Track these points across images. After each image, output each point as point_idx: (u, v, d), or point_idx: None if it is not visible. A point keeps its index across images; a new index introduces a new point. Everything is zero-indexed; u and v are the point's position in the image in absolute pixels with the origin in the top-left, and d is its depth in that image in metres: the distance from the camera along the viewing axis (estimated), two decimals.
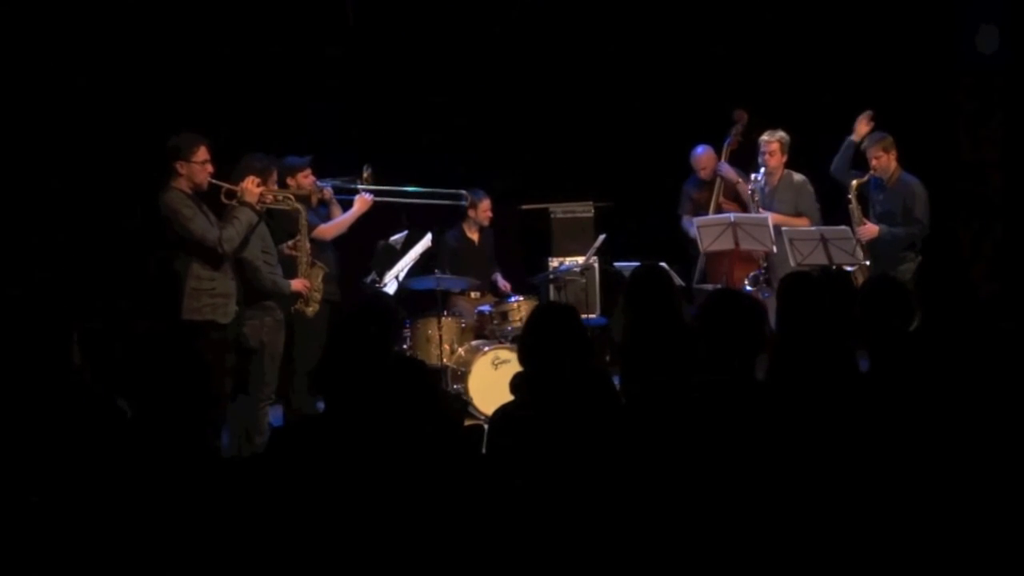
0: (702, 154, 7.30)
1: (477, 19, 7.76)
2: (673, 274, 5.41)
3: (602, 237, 7.45)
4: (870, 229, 6.50)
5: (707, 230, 6.69)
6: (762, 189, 6.88)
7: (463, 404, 6.56)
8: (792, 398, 3.16)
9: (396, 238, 6.73)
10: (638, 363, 4.12)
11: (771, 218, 6.65)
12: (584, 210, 8.20)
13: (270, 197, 5.43)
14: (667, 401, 3.16)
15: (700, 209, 7.26)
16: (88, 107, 6.62)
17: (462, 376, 6.71)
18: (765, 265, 6.72)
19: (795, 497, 2.83)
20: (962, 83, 7.82)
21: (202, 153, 5.16)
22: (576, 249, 7.87)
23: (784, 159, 6.89)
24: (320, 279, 5.69)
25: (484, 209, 7.34)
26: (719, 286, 6.64)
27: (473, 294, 7.35)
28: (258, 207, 5.31)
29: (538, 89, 7.98)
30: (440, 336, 6.80)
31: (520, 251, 8.25)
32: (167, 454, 2.67)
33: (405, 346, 6.85)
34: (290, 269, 5.62)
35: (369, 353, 2.98)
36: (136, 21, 6.73)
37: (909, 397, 3.18)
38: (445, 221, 7.31)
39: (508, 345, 6.73)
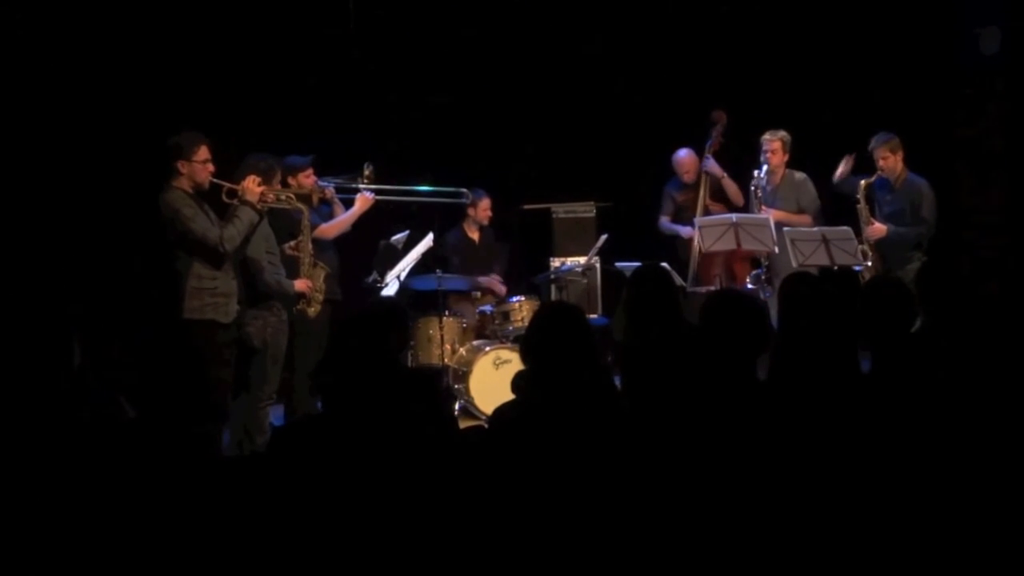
0: (685, 157, 7.33)
1: (478, 19, 7.76)
2: (674, 274, 5.42)
3: (604, 237, 7.45)
4: (878, 229, 6.52)
5: (709, 231, 6.71)
6: (764, 187, 6.89)
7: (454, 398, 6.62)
8: (794, 398, 3.16)
9: (397, 238, 6.73)
10: (639, 363, 4.11)
11: (773, 215, 6.68)
12: (586, 210, 8.20)
13: (271, 196, 5.43)
14: (668, 401, 3.16)
15: (683, 212, 7.31)
16: (89, 107, 6.62)
17: (463, 376, 6.71)
18: (766, 264, 6.74)
19: (796, 497, 2.83)
20: (963, 84, 7.82)
21: (203, 152, 5.16)
22: (578, 249, 7.87)
23: (786, 158, 6.92)
24: (322, 279, 5.69)
25: (484, 208, 7.34)
26: (712, 288, 6.66)
27: (474, 294, 7.35)
28: (259, 207, 5.31)
29: (539, 89, 7.98)
30: (441, 336, 6.80)
31: (522, 251, 8.23)
32: (168, 454, 2.67)
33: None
34: (292, 269, 5.62)
35: (372, 356, 2.97)
36: (137, 20, 6.72)
37: (911, 398, 3.18)
38: (446, 221, 7.31)
39: (509, 345, 6.74)
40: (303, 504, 2.71)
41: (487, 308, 7.17)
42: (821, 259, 6.27)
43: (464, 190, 7.19)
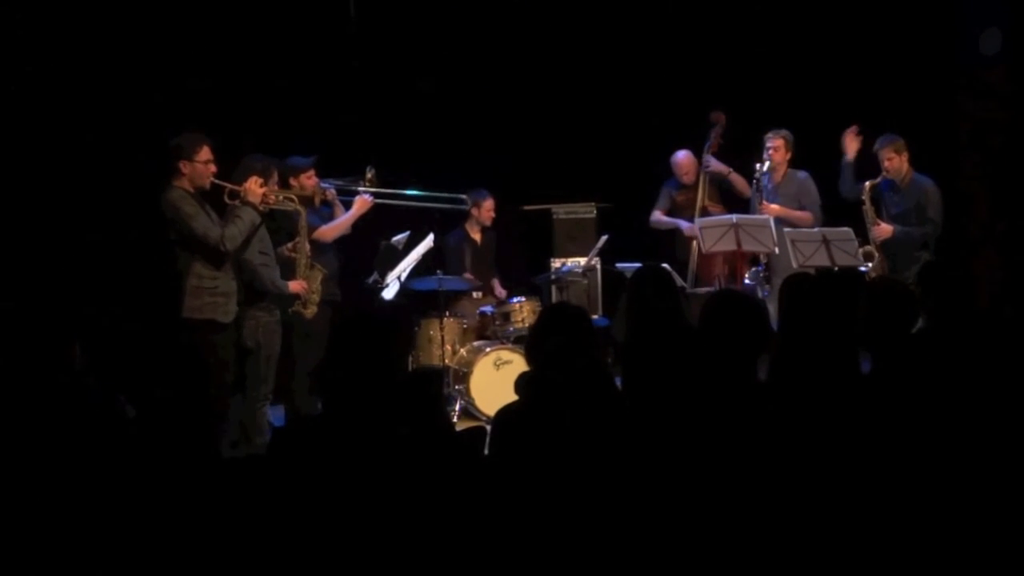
0: (683, 159, 7.36)
1: (479, 21, 7.76)
2: (675, 275, 5.42)
3: (604, 238, 7.45)
4: (884, 229, 6.52)
5: (709, 231, 6.72)
6: (766, 184, 6.89)
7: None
8: (794, 399, 3.16)
9: (398, 239, 6.73)
10: (640, 364, 4.11)
11: (774, 209, 6.69)
12: (586, 211, 8.20)
13: (272, 197, 5.44)
14: (669, 402, 3.16)
15: (681, 211, 7.35)
16: (90, 107, 6.62)
17: (464, 377, 6.71)
18: (766, 261, 6.74)
19: (797, 498, 2.83)
20: (964, 84, 7.82)
21: (205, 153, 5.17)
22: (578, 250, 7.87)
23: (788, 156, 6.93)
24: (319, 281, 5.69)
25: (487, 209, 7.33)
26: (712, 289, 6.66)
27: (475, 294, 7.34)
28: (261, 207, 5.31)
29: (540, 90, 7.98)
30: (442, 337, 6.80)
31: (522, 252, 8.23)
32: (169, 454, 2.67)
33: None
34: (290, 271, 5.63)
35: (373, 358, 2.97)
36: (139, 21, 6.72)
37: (911, 399, 3.18)
38: (447, 221, 7.30)
39: (510, 346, 6.74)
40: (304, 505, 2.71)
41: (488, 309, 7.17)
42: (821, 260, 6.27)
43: (463, 196, 7.18)
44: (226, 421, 5.41)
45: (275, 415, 6.50)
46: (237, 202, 5.28)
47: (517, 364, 6.36)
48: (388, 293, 6.63)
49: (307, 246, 5.65)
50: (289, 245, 5.70)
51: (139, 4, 6.73)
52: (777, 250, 6.55)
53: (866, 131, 6.85)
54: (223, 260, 5.20)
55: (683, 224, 7.21)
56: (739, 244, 6.58)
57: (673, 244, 7.37)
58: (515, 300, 7.16)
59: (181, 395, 2.73)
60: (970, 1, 7.78)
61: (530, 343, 3.32)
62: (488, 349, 6.74)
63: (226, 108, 6.79)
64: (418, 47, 7.67)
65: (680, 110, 7.88)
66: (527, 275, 7.80)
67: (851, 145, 6.77)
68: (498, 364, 6.66)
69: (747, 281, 6.70)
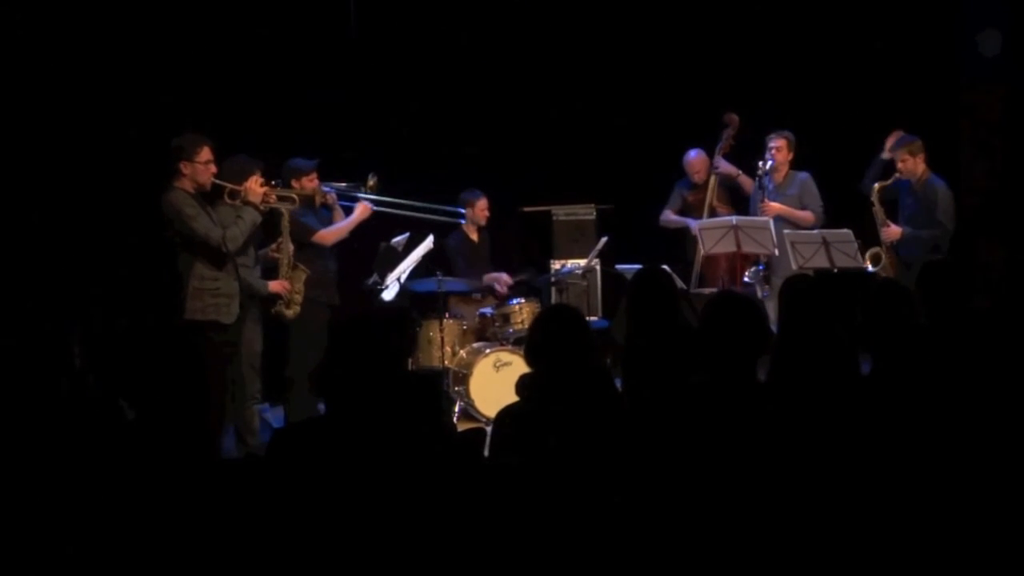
0: (695, 158, 7.38)
1: (479, 23, 7.76)
2: (675, 277, 5.41)
3: (604, 239, 7.45)
4: (893, 231, 6.53)
5: (709, 233, 6.74)
6: (767, 185, 6.89)
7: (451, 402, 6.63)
8: (793, 400, 3.16)
9: (398, 240, 6.72)
10: (640, 365, 4.11)
11: (776, 207, 6.69)
12: (586, 212, 8.19)
13: (274, 197, 5.44)
14: (669, 403, 3.16)
15: (692, 211, 7.36)
16: (91, 107, 6.62)
17: (463, 378, 6.71)
18: (766, 261, 6.75)
19: (796, 498, 2.83)
20: (965, 86, 7.82)
21: (205, 153, 5.18)
22: (578, 251, 7.87)
23: (790, 157, 6.94)
24: (302, 282, 5.72)
25: (481, 208, 7.31)
26: (716, 289, 6.66)
27: (476, 295, 7.34)
28: (261, 207, 5.32)
29: (540, 91, 7.98)
30: (442, 338, 6.80)
31: (522, 253, 8.23)
32: (169, 456, 2.67)
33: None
34: (274, 271, 5.65)
35: (375, 358, 2.97)
36: (141, 22, 6.73)
37: (910, 399, 3.18)
38: (446, 222, 7.29)
39: (510, 347, 6.73)
40: (304, 507, 2.70)
41: (487, 310, 7.16)
42: (821, 261, 6.28)
43: (462, 209, 7.17)
44: (227, 422, 5.42)
45: (275, 417, 6.52)
46: (238, 202, 5.28)
47: (517, 366, 6.35)
48: (388, 295, 6.63)
49: (290, 246, 5.69)
50: (273, 246, 5.72)
51: (140, 5, 6.73)
52: (777, 251, 6.56)
53: (865, 131, 6.85)
54: (225, 261, 5.20)
55: (692, 223, 7.22)
56: (739, 245, 6.58)
57: (684, 244, 7.39)
58: (514, 302, 7.15)
59: (181, 397, 2.73)
60: (970, 3, 7.78)
61: (526, 346, 3.34)
62: (488, 351, 6.74)
63: (226, 108, 6.79)
64: (418, 49, 7.67)
65: (680, 111, 7.90)
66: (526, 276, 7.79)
67: (889, 143, 6.74)
68: (498, 366, 6.66)
69: (747, 280, 6.70)
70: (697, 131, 7.58)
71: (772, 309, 5.55)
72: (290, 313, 5.67)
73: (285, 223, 5.64)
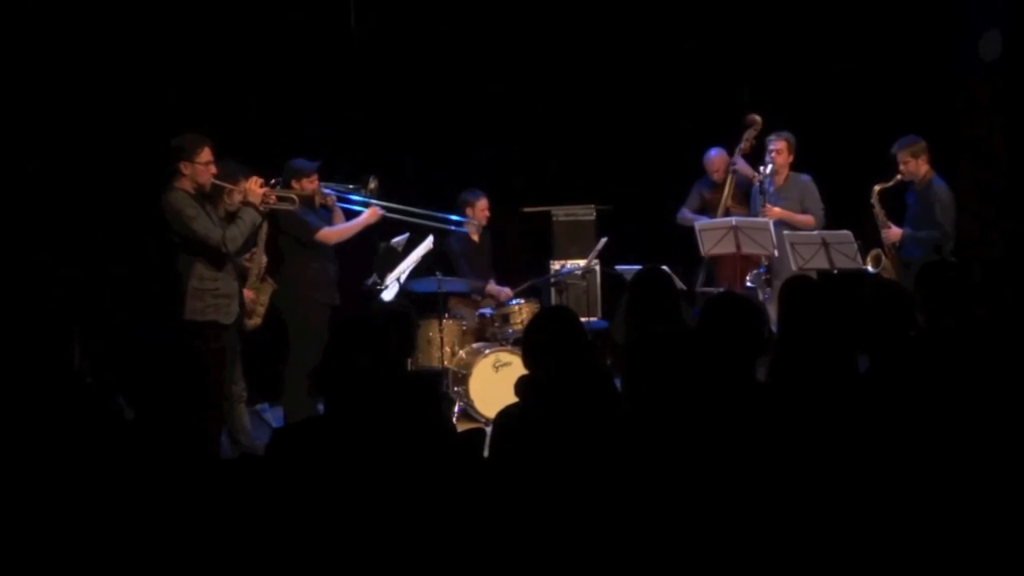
0: (715, 156, 7.39)
1: (479, 23, 7.76)
2: (675, 277, 5.41)
3: (604, 240, 7.44)
4: (893, 233, 6.54)
5: (708, 234, 6.73)
6: (768, 187, 6.89)
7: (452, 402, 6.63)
8: (793, 400, 3.16)
9: (397, 240, 6.72)
10: (640, 366, 4.11)
11: (777, 212, 6.69)
12: (586, 213, 8.19)
13: (273, 197, 5.44)
14: (669, 404, 3.16)
15: (709, 210, 7.35)
16: (91, 107, 6.62)
17: (463, 379, 6.71)
18: (767, 264, 6.75)
19: (796, 499, 2.83)
20: (964, 88, 7.82)
21: (206, 154, 5.17)
22: (578, 252, 7.87)
23: (790, 159, 6.94)
24: (268, 295, 5.80)
25: (481, 208, 7.31)
26: (722, 289, 6.66)
27: (476, 297, 7.34)
28: (261, 208, 5.32)
29: (540, 92, 7.99)
30: (441, 338, 6.80)
31: (522, 254, 8.23)
32: (167, 455, 2.67)
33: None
34: (243, 281, 5.66)
35: (375, 358, 2.97)
36: (141, 22, 6.73)
37: (909, 400, 3.18)
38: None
39: (509, 348, 6.73)
40: (304, 507, 2.70)
41: (487, 311, 7.17)
42: (821, 263, 6.28)
43: (465, 219, 7.16)
44: (225, 423, 5.43)
45: (275, 417, 6.52)
46: (237, 201, 5.29)
47: (516, 366, 6.35)
48: (388, 295, 6.63)
49: (263, 259, 5.72)
50: (247, 255, 5.71)
51: (140, 6, 6.73)
52: (777, 253, 6.56)
53: (865, 133, 6.85)
54: (224, 261, 5.21)
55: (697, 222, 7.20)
56: (739, 246, 6.58)
57: (675, 245, 7.37)
58: (514, 302, 7.15)
59: (180, 396, 2.73)
60: (970, 4, 7.78)
61: (522, 348, 3.34)
62: (487, 351, 6.74)
63: (226, 108, 6.79)
64: (418, 50, 7.67)
65: (680, 112, 7.90)
66: (526, 276, 7.78)
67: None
68: (497, 366, 6.66)
69: (748, 283, 6.70)
70: (697, 131, 7.59)
71: (774, 312, 5.54)
72: (250, 324, 5.72)
73: (262, 234, 5.67)
